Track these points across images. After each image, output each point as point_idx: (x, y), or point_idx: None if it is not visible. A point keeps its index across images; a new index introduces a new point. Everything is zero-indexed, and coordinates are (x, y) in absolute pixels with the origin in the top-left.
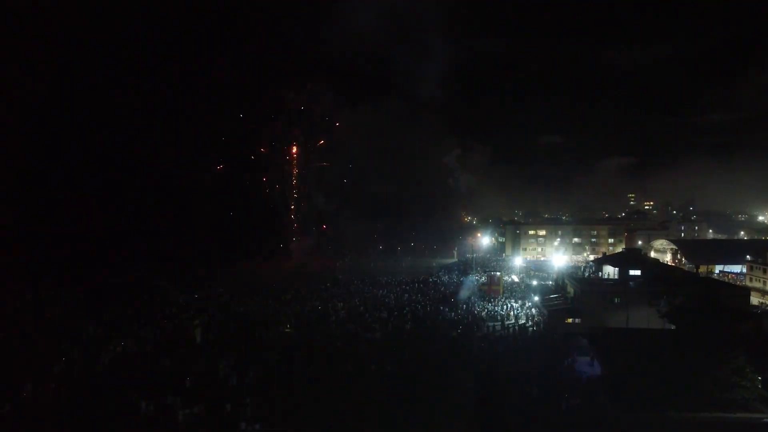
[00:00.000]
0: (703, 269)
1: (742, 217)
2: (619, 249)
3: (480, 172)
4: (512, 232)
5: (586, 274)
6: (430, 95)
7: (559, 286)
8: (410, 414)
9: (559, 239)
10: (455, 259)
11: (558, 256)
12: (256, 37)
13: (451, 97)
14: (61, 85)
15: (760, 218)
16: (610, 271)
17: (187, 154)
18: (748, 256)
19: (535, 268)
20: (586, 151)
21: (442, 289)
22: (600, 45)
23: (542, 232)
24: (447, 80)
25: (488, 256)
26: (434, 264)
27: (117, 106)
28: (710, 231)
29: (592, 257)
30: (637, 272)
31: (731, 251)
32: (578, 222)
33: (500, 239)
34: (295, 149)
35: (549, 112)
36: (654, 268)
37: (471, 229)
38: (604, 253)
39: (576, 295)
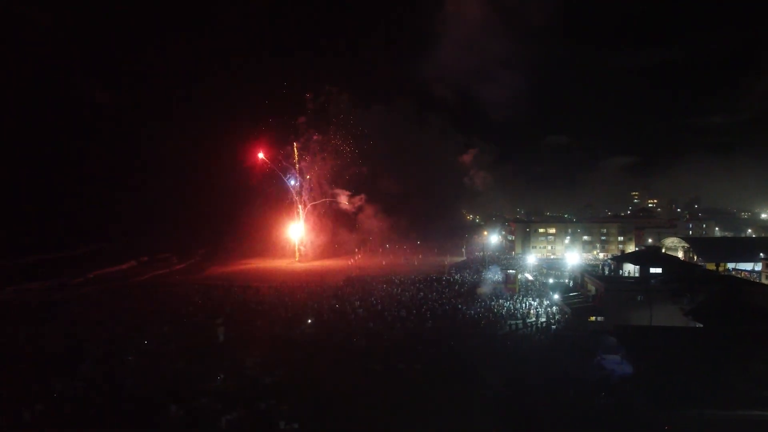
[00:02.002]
0: (711, 266)
1: (745, 215)
2: (630, 247)
3: (487, 171)
4: (522, 230)
5: (606, 272)
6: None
7: (578, 284)
8: (441, 413)
9: (569, 237)
10: (464, 257)
11: (572, 255)
12: None
13: (459, 97)
14: None
15: (763, 216)
16: (630, 269)
17: None
18: (761, 254)
19: (548, 267)
20: (589, 150)
21: (457, 287)
22: (604, 47)
23: (552, 230)
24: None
25: (497, 254)
26: (446, 262)
27: None
28: (716, 229)
29: (601, 255)
30: (658, 270)
31: (743, 249)
32: (582, 220)
33: (509, 237)
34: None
35: (553, 112)
36: (675, 265)
37: (475, 228)
38: (623, 251)
39: (598, 293)
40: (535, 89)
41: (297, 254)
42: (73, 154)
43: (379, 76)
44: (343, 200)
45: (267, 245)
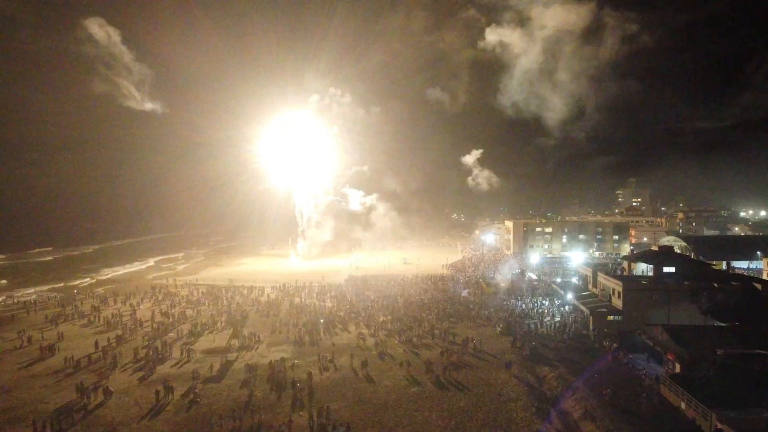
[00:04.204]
0: (720, 265)
1: (725, 213)
2: (624, 245)
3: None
4: (519, 229)
5: (618, 272)
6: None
7: (589, 283)
8: (486, 413)
9: (565, 236)
10: (462, 257)
11: (577, 254)
12: None
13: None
14: None
15: (741, 214)
16: (643, 268)
17: None
18: (759, 252)
19: (550, 266)
20: (573, 151)
21: (463, 287)
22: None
23: (549, 229)
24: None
25: (494, 253)
26: (446, 261)
27: None
28: (704, 228)
29: (597, 254)
30: (671, 269)
31: (740, 247)
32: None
33: (506, 236)
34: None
35: (540, 113)
36: (688, 265)
37: (465, 226)
38: (633, 251)
39: (615, 292)
40: (525, 89)
41: (296, 250)
42: (85, 156)
43: (379, 79)
44: (353, 200)
45: (266, 243)
